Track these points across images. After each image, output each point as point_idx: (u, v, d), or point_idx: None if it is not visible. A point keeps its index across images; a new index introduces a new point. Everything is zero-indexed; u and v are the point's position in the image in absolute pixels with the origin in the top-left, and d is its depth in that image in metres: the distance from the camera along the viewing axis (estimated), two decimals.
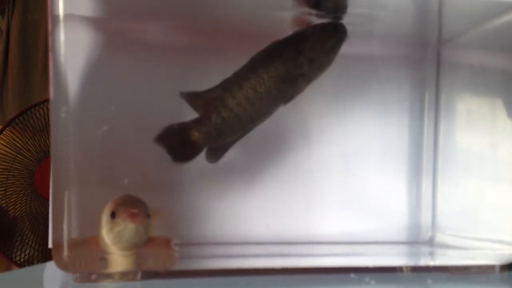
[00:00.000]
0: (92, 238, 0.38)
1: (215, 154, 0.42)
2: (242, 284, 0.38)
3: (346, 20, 0.43)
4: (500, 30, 0.45)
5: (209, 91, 0.41)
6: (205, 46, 0.45)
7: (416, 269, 0.42)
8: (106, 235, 0.36)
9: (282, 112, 0.46)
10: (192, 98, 0.41)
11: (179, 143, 0.41)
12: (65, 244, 0.36)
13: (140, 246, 0.37)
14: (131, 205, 0.36)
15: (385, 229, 0.48)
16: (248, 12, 0.45)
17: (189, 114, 0.43)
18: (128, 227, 0.36)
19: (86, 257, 0.37)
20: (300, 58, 0.42)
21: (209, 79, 0.43)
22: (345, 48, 0.44)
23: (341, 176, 0.48)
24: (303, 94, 0.46)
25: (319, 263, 0.43)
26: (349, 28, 0.43)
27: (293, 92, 0.43)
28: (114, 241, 0.36)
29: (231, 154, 0.44)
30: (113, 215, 0.36)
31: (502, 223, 0.45)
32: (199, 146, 0.41)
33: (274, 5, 0.44)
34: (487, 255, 0.43)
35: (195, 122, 0.41)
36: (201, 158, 0.43)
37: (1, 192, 1.19)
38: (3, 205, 1.20)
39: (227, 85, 0.41)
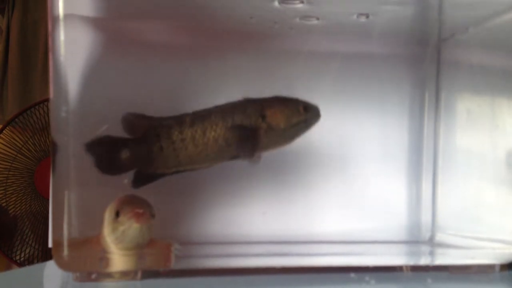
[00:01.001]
0: (93, 238, 0.38)
1: (140, 180, 0.40)
2: (242, 283, 0.38)
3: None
4: (501, 29, 0.45)
5: (160, 118, 0.40)
6: (205, 46, 0.45)
7: (416, 269, 0.42)
8: (109, 234, 0.36)
9: None
10: (137, 118, 0.40)
11: (108, 156, 0.40)
12: (65, 243, 0.36)
13: (142, 247, 0.37)
14: (136, 205, 0.36)
15: (385, 229, 0.48)
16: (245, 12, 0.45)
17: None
18: (132, 227, 0.36)
19: (86, 256, 0.37)
20: (261, 121, 0.41)
21: (209, 79, 0.43)
22: (345, 48, 0.44)
23: (341, 176, 0.48)
24: (302, 94, 0.46)
25: (319, 262, 0.43)
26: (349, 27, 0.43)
27: (240, 151, 0.41)
28: (117, 241, 0.36)
29: None
30: (117, 214, 0.36)
31: (502, 223, 0.45)
32: (126, 166, 0.40)
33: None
34: (487, 255, 0.43)
35: (131, 141, 0.40)
36: None
37: (1, 192, 1.19)
38: (3, 204, 1.20)
39: (180, 119, 0.40)
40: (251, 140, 0.41)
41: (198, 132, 0.40)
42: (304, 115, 0.41)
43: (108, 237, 0.36)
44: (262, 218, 0.46)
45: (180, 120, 0.40)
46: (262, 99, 0.41)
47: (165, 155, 0.40)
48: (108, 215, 0.37)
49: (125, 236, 0.36)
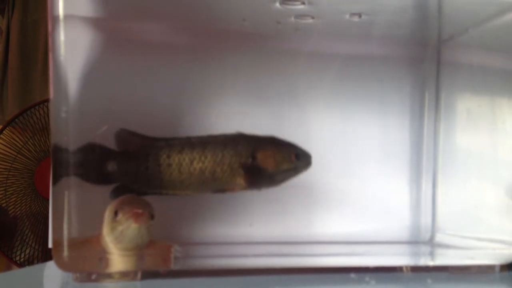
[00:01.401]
0: (93, 238, 0.38)
1: (119, 193, 0.40)
2: (242, 284, 0.38)
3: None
4: (500, 30, 0.45)
5: (153, 138, 0.40)
6: (205, 46, 0.45)
7: (416, 269, 0.42)
8: (108, 234, 0.36)
9: (282, 112, 0.46)
10: (131, 135, 0.40)
11: (93, 164, 0.40)
12: (65, 244, 0.36)
13: (142, 247, 0.37)
14: (135, 205, 0.36)
15: (385, 229, 0.48)
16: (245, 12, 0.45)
17: (189, 115, 0.43)
18: (131, 227, 0.36)
19: (86, 257, 0.37)
20: (250, 161, 0.41)
21: (208, 79, 0.43)
22: (346, 48, 0.44)
23: (341, 176, 0.48)
24: (303, 94, 0.46)
25: (319, 262, 0.43)
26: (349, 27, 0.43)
27: (224, 187, 0.41)
28: (116, 241, 0.36)
29: None
30: (116, 214, 0.36)
31: (501, 223, 0.45)
32: (109, 178, 0.40)
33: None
34: (487, 255, 0.43)
35: (119, 154, 0.40)
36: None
37: (1, 192, 1.19)
38: (3, 205, 1.20)
39: (171, 142, 0.40)
40: (236, 179, 0.40)
41: (185, 160, 0.40)
42: (294, 163, 0.41)
43: (107, 237, 0.36)
44: (262, 218, 0.46)
45: (170, 144, 0.40)
46: (256, 137, 0.41)
47: (149, 176, 0.40)
48: (107, 215, 0.37)
49: (123, 236, 0.36)
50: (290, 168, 0.41)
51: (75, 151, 0.38)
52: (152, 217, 0.36)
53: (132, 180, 0.40)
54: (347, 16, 0.44)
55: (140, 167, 0.40)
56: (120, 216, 0.36)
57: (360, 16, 0.45)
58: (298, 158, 0.41)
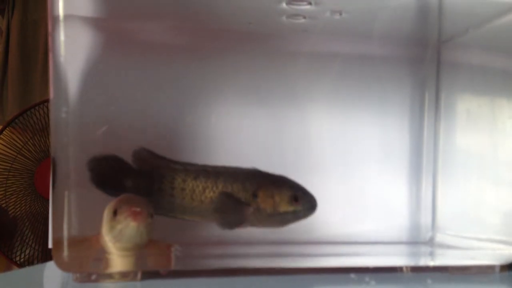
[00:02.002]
0: (93, 237, 0.38)
1: None
2: (242, 284, 0.38)
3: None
4: (500, 30, 0.45)
5: (170, 160, 0.40)
6: (205, 46, 0.45)
7: (416, 269, 0.42)
8: (107, 234, 0.36)
9: (282, 112, 0.46)
10: (149, 155, 0.40)
11: (110, 178, 0.40)
12: (65, 244, 0.36)
13: (141, 247, 0.37)
14: (134, 204, 0.36)
15: (385, 229, 0.48)
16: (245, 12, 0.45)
17: (189, 115, 0.43)
18: (129, 226, 0.36)
19: (86, 257, 0.37)
20: (251, 199, 0.40)
21: (209, 79, 0.43)
22: (346, 48, 0.44)
23: (341, 176, 0.48)
24: (303, 94, 0.46)
25: (319, 263, 0.43)
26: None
27: (221, 218, 0.41)
28: (115, 240, 0.36)
29: (232, 154, 0.44)
30: (115, 213, 0.36)
31: (502, 224, 0.45)
32: (123, 192, 0.40)
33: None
34: (487, 255, 0.43)
35: (136, 172, 0.40)
36: (202, 156, 0.43)
37: (1, 192, 1.19)
38: (3, 205, 1.20)
39: (189, 167, 0.40)
40: (236, 214, 0.40)
41: (199, 188, 0.40)
42: (293, 206, 0.41)
43: (106, 236, 0.36)
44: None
45: (187, 169, 0.40)
46: (265, 175, 0.41)
47: (161, 197, 0.40)
48: (106, 214, 0.37)
49: (122, 235, 0.36)
50: (289, 212, 0.41)
51: (94, 160, 0.39)
52: (151, 216, 0.36)
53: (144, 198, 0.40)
54: (328, 14, 0.44)
55: (154, 188, 0.40)
56: (118, 215, 0.36)
57: (340, 13, 0.44)
58: (299, 202, 0.41)
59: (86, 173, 0.39)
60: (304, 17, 0.44)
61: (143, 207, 0.36)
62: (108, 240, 0.37)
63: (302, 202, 0.41)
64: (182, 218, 0.41)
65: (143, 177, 0.40)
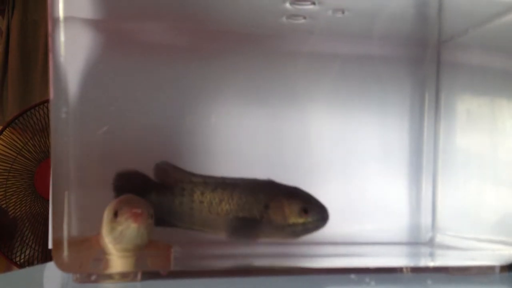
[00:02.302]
0: (93, 238, 0.38)
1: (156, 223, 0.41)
2: (242, 284, 0.38)
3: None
4: (500, 30, 0.45)
5: (191, 174, 0.41)
6: (205, 46, 0.45)
7: (416, 270, 0.42)
8: (108, 235, 0.36)
9: (282, 112, 0.46)
10: (172, 169, 0.41)
11: (134, 192, 0.40)
12: (65, 244, 0.36)
13: (141, 248, 0.37)
14: (134, 205, 0.36)
15: (385, 230, 0.48)
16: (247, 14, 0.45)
17: (189, 115, 0.43)
18: (130, 227, 0.36)
19: (86, 257, 0.37)
20: (263, 211, 0.40)
21: (209, 79, 0.43)
22: (346, 48, 0.44)
23: (341, 177, 0.48)
24: (303, 94, 0.46)
25: (319, 263, 0.43)
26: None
27: (235, 238, 0.41)
28: (115, 241, 0.36)
29: (233, 155, 0.44)
30: (115, 214, 0.36)
31: (502, 224, 0.45)
32: None
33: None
34: (487, 256, 0.43)
35: (160, 186, 0.41)
36: (202, 156, 0.43)
37: (1, 193, 1.19)
38: (3, 205, 1.20)
39: (208, 180, 0.40)
40: (250, 227, 0.41)
41: (215, 200, 0.40)
42: (303, 218, 0.40)
43: (107, 238, 0.36)
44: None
45: (206, 182, 0.40)
46: (278, 186, 0.41)
47: (183, 210, 0.40)
48: (106, 216, 0.37)
49: (123, 236, 0.36)
50: (298, 223, 0.40)
51: (118, 176, 0.39)
52: (151, 216, 0.36)
53: (166, 212, 0.40)
54: (330, 12, 0.44)
55: (175, 201, 0.40)
56: (119, 216, 0.36)
57: (343, 12, 0.44)
58: (309, 214, 0.40)
59: (110, 188, 0.39)
60: (304, 17, 0.44)
61: (143, 208, 0.36)
62: (108, 242, 0.36)
63: (312, 214, 0.41)
64: (202, 230, 0.41)
65: (164, 191, 0.41)
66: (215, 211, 0.40)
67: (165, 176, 0.41)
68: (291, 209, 0.40)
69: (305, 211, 0.40)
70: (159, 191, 0.40)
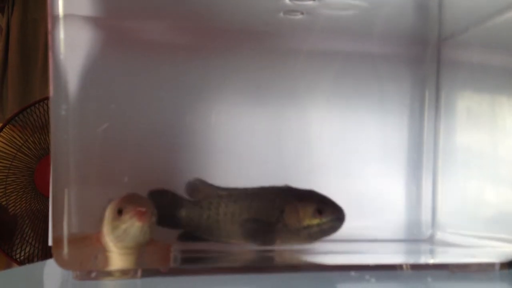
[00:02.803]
0: (93, 235, 0.38)
1: (182, 239, 0.41)
2: (242, 282, 0.38)
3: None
4: (500, 28, 0.45)
5: (218, 187, 0.41)
6: (205, 45, 0.45)
7: (416, 267, 0.42)
8: (110, 233, 0.36)
9: (282, 112, 0.46)
10: (202, 184, 0.41)
11: (165, 209, 0.41)
12: (65, 241, 0.36)
13: (142, 245, 0.37)
14: (138, 204, 0.36)
15: (385, 227, 0.48)
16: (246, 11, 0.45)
17: (189, 114, 0.43)
18: (134, 225, 0.36)
19: (86, 255, 0.37)
20: (279, 216, 0.40)
21: (208, 78, 0.43)
22: (346, 46, 0.44)
23: (341, 175, 0.48)
24: (302, 93, 0.46)
25: (319, 260, 0.43)
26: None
27: (253, 240, 0.41)
28: (118, 239, 0.36)
29: (233, 154, 0.44)
30: (119, 212, 0.36)
31: (502, 221, 0.45)
32: (178, 224, 0.41)
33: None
34: (487, 253, 0.43)
35: (191, 202, 0.41)
36: (201, 155, 0.43)
37: (1, 190, 1.19)
38: (3, 203, 1.20)
39: (232, 192, 0.41)
40: (266, 232, 0.41)
41: (237, 211, 0.40)
42: (317, 219, 0.40)
43: (109, 236, 0.36)
44: None
45: (231, 194, 0.41)
46: (294, 191, 0.41)
47: (211, 224, 0.41)
48: (109, 214, 0.37)
49: (126, 234, 0.36)
50: (313, 225, 0.40)
51: (151, 195, 0.40)
52: (154, 215, 0.36)
53: (195, 227, 0.41)
54: (329, 10, 0.44)
55: (203, 215, 0.41)
56: (124, 214, 0.36)
57: (342, 9, 0.44)
58: (323, 215, 0.40)
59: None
60: (302, 13, 0.44)
61: (147, 207, 0.36)
62: (110, 240, 0.36)
63: (326, 214, 0.40)
64: (229, 242, 0.41)
65: (194, 207, 0.41)
66: (237, 221, 0.40)
67: (196, 192, 0.41)
68: (305, 211, 0.40)
69: (319, 212, 0.40)
70: (189, 207, 0.41)
